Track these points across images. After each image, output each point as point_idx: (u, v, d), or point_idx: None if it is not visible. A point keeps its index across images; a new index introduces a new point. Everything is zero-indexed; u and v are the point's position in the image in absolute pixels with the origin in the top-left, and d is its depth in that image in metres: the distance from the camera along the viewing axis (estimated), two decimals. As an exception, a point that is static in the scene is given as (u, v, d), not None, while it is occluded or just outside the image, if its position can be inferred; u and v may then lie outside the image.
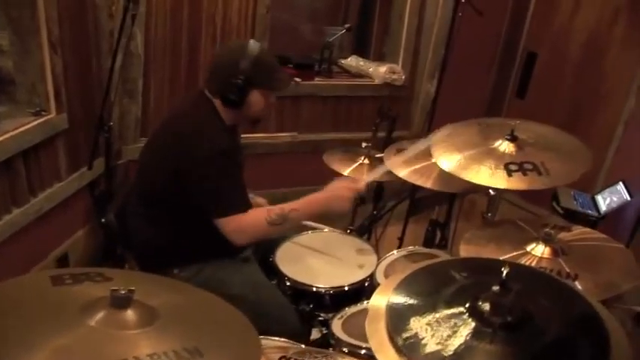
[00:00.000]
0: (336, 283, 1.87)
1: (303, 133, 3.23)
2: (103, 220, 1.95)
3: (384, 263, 1.94)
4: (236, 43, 1.84)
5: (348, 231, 2.34)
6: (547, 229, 1.51)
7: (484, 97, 3.73)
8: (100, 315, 0.99)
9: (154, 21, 2.66)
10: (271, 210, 1.76)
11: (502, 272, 1.02)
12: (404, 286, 1.15)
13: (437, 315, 1.04)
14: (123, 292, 1.01)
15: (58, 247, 2.45)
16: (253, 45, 1.75)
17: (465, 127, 1.91)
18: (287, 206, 1.79)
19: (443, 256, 1.96)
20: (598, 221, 3.01)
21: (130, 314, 1.01)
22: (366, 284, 1.88)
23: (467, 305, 1.03)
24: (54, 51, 2.19)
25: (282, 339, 1.60)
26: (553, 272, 1.41)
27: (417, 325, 1.02)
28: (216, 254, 1.82)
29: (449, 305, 1.06)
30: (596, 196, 3.09)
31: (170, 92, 2.83)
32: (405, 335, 1.00)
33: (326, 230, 2.12)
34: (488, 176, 1.62)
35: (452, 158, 1.72)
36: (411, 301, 1.09)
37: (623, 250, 1.54)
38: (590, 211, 3.03)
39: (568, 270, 1.42)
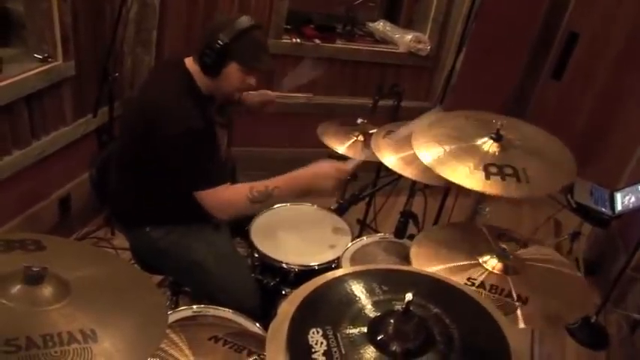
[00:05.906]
0: (304, 262, 1.89)
1: (319, 95, 3.18)
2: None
3: (352, 248, 1.93)
4: (230, 17, 1.78)
5: (337, 205, 2.32)
6: (503, 245, 1.45)
7: (516, 75, 3.54)
8: (14, 289, 1.05)
9: (172, -29, 2.64)
10: (254, 187, 1.73)
11: (404, 298, 1.00)
12: (320, 292, 1.15)
13: (339, 330, 1.04)
14: (35, 269, 1.06)
15: (61, 188, 2.57)
16: (244, 20, 1.72)
17: (451, 118, 1.83)
18: (271, 183, 1.75)
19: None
20: (610, 220, 2.85)
21: (41, 291, 1.06)
22: (333, 265, 1.89)
23: (368, 327, 1.03)
24: (62, -1, 2.22)
25: (231, 311, 1.64)
26: (497, 291, 1.37)
27: (315, 337, 1.03)
28: (187, 219, 1.83)
29: (353, 323, 1.05)
30: (615, 193, 2.91)
31: (185, 43, 2.83)
32: (298, 347, 1.01)
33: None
34: (465, 176, 1.54)
35: (432, 151, 1.65)
36: (318, 310, 1.09)
37: (580, 280, 1.47)
38: (603, 209, 2.86)
39: (514, 291, 1.37)
